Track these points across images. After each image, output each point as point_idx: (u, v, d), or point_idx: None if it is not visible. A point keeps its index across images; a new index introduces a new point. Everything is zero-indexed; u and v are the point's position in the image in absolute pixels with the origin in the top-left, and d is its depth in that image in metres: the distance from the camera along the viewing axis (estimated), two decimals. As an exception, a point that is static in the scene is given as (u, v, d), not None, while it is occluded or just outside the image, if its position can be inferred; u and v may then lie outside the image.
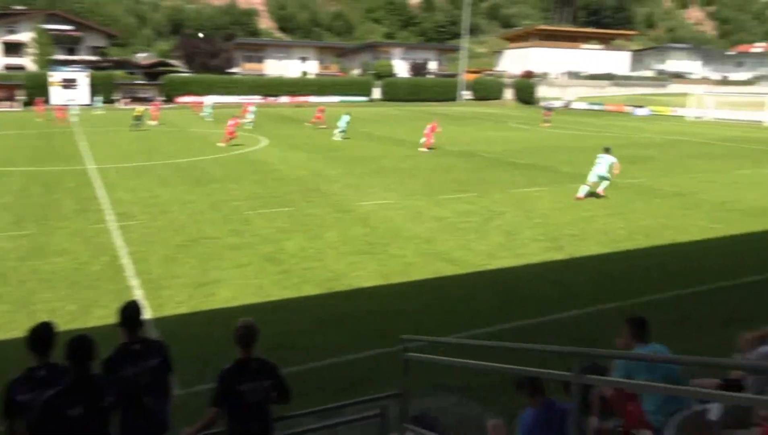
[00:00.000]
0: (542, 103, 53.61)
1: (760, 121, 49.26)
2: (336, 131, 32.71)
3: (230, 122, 29.83)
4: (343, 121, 32.53)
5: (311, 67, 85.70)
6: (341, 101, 66.96)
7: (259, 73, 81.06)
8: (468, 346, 7.40)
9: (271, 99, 67.42)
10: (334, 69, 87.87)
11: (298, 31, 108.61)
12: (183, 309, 9.51)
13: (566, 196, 18.17)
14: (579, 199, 17.68)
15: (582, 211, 16.28)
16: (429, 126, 29.16)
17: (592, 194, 17.97)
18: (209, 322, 8.98)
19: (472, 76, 79.18)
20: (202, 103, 49.59)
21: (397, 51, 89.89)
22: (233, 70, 78.77)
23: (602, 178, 18.12)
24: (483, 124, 39.99)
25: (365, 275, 11.13)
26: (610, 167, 18.04)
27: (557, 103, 69.06)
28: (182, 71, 73.17)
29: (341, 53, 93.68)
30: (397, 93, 71.40)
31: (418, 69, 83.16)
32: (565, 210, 16.44)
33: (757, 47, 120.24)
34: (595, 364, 5.99)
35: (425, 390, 6.88)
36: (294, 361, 7.39)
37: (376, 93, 72.76)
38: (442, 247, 12.95)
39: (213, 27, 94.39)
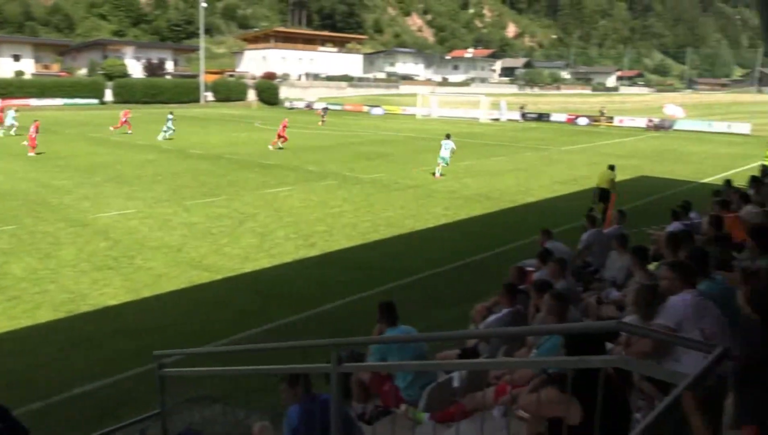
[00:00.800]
0: (317, 105, 54.69)
1: (476, 118, 55.96)
2: (162, 133, 33.11)
3: None
4: (170, 121, 33.44)
5: (27, 66, 75.90)
6: (65, 104, 60.47)
7: (-42, 72, 69.55)
8: (227, 353, 7.24)
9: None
10: (55, 68, 78.96)
11: (7, 25, 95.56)
12: None
13: (315, 194, 18.76)
14: (437, 178, 22.16)
15: (329, 208, 16.94)
16: (281, 124, 30.45)
17: (433, 173, 22.45)
18: None
19: (213, 77, 77.33)
20: None
21: (128, 50, 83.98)
22: None
23: (444, 160, 22.32)
24: (228, 126, 39.36)
25: (111, 292, 10.25)
26: (451, 151, 22.50)
27: (300, 104, 70.81)
28: None
29: (63, 51, 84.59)
30: (132, 94, 66.47)
31: (155, 69, 78.59)
32: (315, 207, 16.96)
33: (469, 53, 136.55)
34: (353, 352, 6.29)
35: (188, 404, 6.58)
36: (34, 396, 6.55)
37: (109, 95, 67.10)
38: (194, 254, 12.48)
39: None
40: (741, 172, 22.01)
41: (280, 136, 30.18)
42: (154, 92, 68.19)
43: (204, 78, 72.87)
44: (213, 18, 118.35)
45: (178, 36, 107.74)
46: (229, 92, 74.43)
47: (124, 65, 75.82)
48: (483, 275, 11.33)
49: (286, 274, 11.50)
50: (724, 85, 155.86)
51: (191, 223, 14.91)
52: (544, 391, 3.27)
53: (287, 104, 71.92)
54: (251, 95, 75.60)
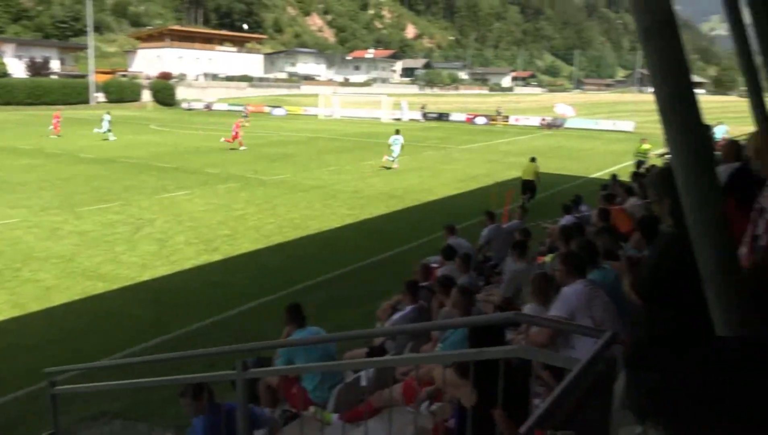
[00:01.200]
0: (242, 107, 53.29)
1: (378, 118, 56.47)
2: (101, 131, 33.16)
3: None
4: (106, 121, 33.38)
5: None
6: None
7: None
8: (126, 365, 6.92)
9: None
10: None
11: None
12: None
13: (216, 197, 18.28)
14: (396, 168, 24.62)
15: (232, 211, 16.57)
16: (234, 124, 30.98)
17: (387, 168, 24.49)
18: None
19: (105, 77, 73.54)
20: None
21: (8, 47, 78.22)
22: None
23: (393, 154, 24.45)
24: (122, 128, 37.57)
25: (-6, 308, 9.54)
26: (401, 145, 25.09)
27: (198, 105, 68.70)
28: None
29: (-68, 49, 77.76)
30: (14, 96, 61.92)
31: (38, 68, 73.71)
32: (216, 211, 16.52)
33: (369, 53, 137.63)
34: (259, 358, 6.18)
35: (86, 422, 6.25)
36: None
37: (-15, 96, 62.18)
38: (87, 263, 11.83)
39: None
40: (626, 167, 23.48)
41: (235, 138, 30.49)
42: (38, 93, 63.87)
43: (94, 78, 69.16)
44: (102, 15, 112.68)
45: (65, 33, 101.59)
46: (122, 93, 70.93)
47: (3, 64, 70.62)
48: (388, 273, 11.45)
49: (188, 280, 11.13)
50: (608, 86, 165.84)
51: (84, 231, 14.13)
52: (447, 371, 3.39)
53: (185, 105, 69.57)
54: (146, 96, 72.51)
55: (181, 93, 75.10)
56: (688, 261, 3.04)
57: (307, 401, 5.49)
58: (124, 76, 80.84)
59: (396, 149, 25.06)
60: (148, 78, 79.35)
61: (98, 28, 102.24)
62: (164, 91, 73.09)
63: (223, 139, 31.33)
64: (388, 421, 4.27)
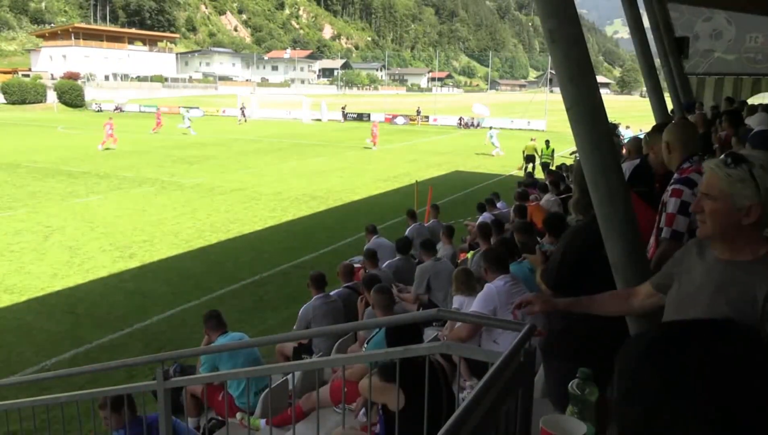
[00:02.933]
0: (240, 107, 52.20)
1: (299, 119, 55.98)
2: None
3: None
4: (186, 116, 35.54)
5: None
6: None
7: None
8: (36, 381, 6.57)
9: None
10: None
11: None
12: None
13: (131, 202, 17.63)
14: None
15: (149, 216, 16.02)
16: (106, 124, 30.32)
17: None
18: None
19: (5, 77, 69.33)
20: None
21: None
22: None
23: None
24: (26, 131, 35.55)
25: None
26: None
27: (109, 106, 65.87)
28: None
29: None
30: None
31: (-71, 68, 68.69)
32: (132, 216, 15.93)
33: (287, 53, 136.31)
34: (182, 366, 6.03)
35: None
36: None
37: None
38: (-9, 276, 11.15)
39: None
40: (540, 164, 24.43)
41: (110, 136, 29.96)
42: (-71, 94, 59.47)
43: (-8, 78, 65.04)
44: (0, 11, 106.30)
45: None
46: (24, 94, 66.93)
47: None
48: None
49: (103, 289, 10.68)
50: (522, 86, 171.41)
51: (-15, 241, 13.30)
52: (373, 378, 3.42)
53: (94, 106, 66.54)
54: (51, 97, 68.77)
55: (90, 94, 71.75)
56: (590, 251, 3.21)
57: (234, 408, 5.41)
58: (26, 76, 76.38)
59: (496, 142, 31.57)
60: (53, 78, 75.36)
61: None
62: (71, 92, 69.45)
63: (100, 147, 30.12)
64: (316, 424, 4.26)
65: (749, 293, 1.88)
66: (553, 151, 24.83)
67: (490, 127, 35.38)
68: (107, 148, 29.73)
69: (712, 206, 1.95)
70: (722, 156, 1.99)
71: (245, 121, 51.59)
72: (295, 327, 6.87)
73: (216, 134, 40.48)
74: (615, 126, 11.80)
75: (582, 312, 2.76)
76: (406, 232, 11.03)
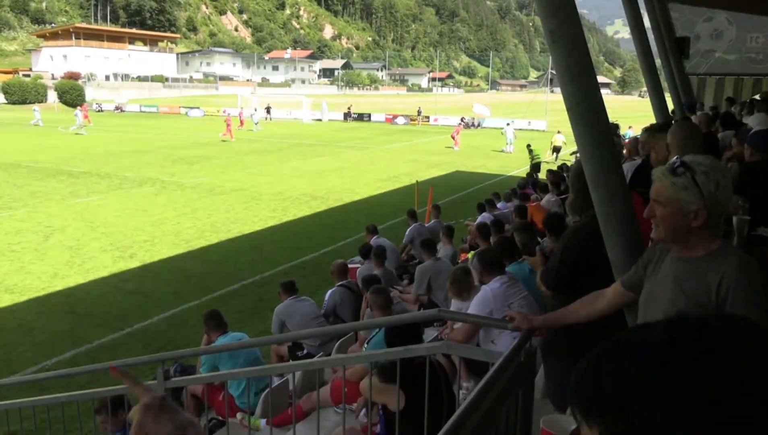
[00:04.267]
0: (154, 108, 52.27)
1: (299, 119, 55.97)
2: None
3: None
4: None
5: None
6: None
7: None
8: (36, 381, 6.57)
9: None
10: None
11: None
12: None
13: (132, 202, 17.63)
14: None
15: (149, 216, 16.03)
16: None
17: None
18: None
19: (5, 77, 69.35)
20: None
21: None
22: None
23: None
24: (27, 131, 35.56)
25: None
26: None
27: (109, 106, 65.88)
28: None
29: None
30: None
31: (-70, 68, 68.70)
32: (132, 216, 15.93)
33: (287, 53, 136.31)
34: (182, 366, 6.03)
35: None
36: None
37: None
38: (-9, 275, 11.15)
39: None
40: (542, 164, 24.38)
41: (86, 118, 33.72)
42: (-70, 94, 59.47)
43: (-7, 78, 65.04)
44: (0, 11, 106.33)
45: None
46: (25, 94, 66.94)
47: None
48: (314, 274, 11.41)
49: (103, 289, 10.68)
50: (522, 86, 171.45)
51: (-14, 240, 13.31)
52: (374, 379, 3.42)
53: (94, 106, 66.59)
54: (52, 97, 68.77)
55: (90, 93, 71.81)
56: (589, 251, 3.21)
57: (234, 408, 5.41)
58: (27, 76, 76.41)
59: (511, 137, 32.71)
60: (54, 78, 75.38)
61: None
62: (72, 92, 69.46)
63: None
64: (317, 424, 4.26)
65: (704, 285, 2.03)
66: (538, 155, 24.71)
67: (507, 124, 36.01)
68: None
69: (662, 212, 2.08)
70: (669, 163, 2.11)
71: (270, 119, 52.45)
72: (273, 328, 6.99)
73: (217, 134, 40.37)
74: (616, 126, 11.81)
75: (557, 325, 2.85)
76: (407, 232, 11.04)
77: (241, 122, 44.70)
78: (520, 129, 50.72)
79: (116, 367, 1.08)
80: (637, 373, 0.71)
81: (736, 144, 4.95)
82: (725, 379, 0.68)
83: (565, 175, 14.43)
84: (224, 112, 50.99)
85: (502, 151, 32.83)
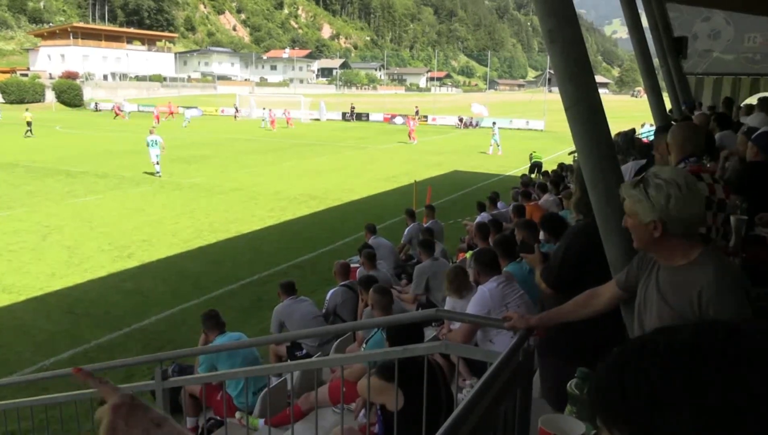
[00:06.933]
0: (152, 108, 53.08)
1: (297, 118, 55.86)
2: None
3: None
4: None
5: None
6: None
7: None
8: (33, 381, 6.57)
9: None
10: None
11: None
12: None
13: (130, 201, 17.61)
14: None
15: (147, 215, 16.02)
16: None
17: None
18: None
19: (3, 77, 69.17)
20: None
21: None
22: None
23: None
24: (23, 131, 35.52)
25: None
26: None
27: (107, 106, 65.72)
28: None
29: None
30: None
31: (-73, 68, 68.46)
32: (130, 216, 15.92)
33: (285, 53, 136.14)
34: (180, 366, 6.03)
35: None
36: None
37: None
38: (-11, 275, 11.14)
39: None
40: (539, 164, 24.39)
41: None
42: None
43: (-9, 77, 64.86)
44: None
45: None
46: (22, 93, 66.77)
47: None
48: (313, 274, 11.41)
49: (101, 289, 10.67)
50: (520, 86, 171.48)
51: (-17, 240, 13.29)
52: (372, 378, 3.41)
53: (92, 106, 66.50)
54: (50, 96, 68.63)
55: (88, 93, 71.70)
56: (591, 251, 3.21)
57: (232, 407, 5.41)
58: (24, 75, 76.24)
59: (497, 138, 31.96)
60: (52, 77, 75.23)
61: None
62: (70, 92, 69.36)
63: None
64: (315, 424, 4.26)
65: (686, 294, 2.06)
66: (539, 156, 24.58)
67: (494, 123, 35.37)
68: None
69: (629, 223, 2.18)
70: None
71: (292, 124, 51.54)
72: (272, 328, 6.99)
73: (215, 134, 40.36)
74: (633, 131, 11.83)
75: (553, 324, 2.86)
76: (405, 232, 11.05)
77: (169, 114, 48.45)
78: (519, 128, 50.81)
79: (81, 368, 1.05)
80: (663, 379, 0.70)
81: (742, 141, 4.95)
82: (755, 387, 0.67)
83: (564, 174, 14.44)
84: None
85: (485, 153, 32.37)
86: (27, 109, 39.39)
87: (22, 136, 34.97)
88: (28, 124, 35.63)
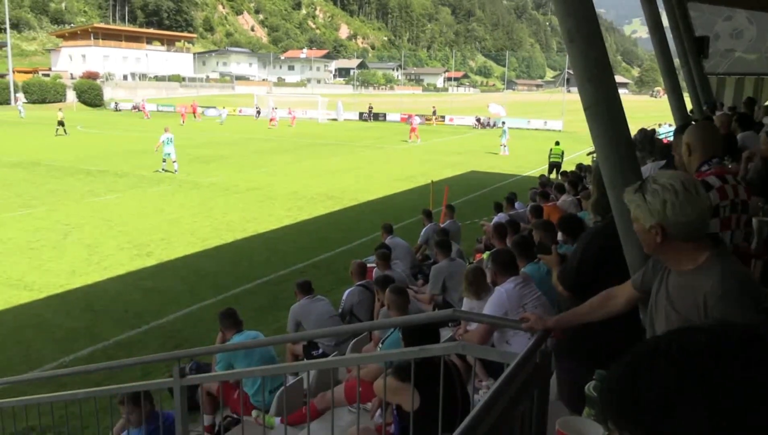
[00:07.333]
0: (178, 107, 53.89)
1: (315, 118, 56.10)
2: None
3: None
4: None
5: None
6: None
7: None
8: (54, 377, 6.65)
9: None
10: None
11: None
12: None
13: (149, 201, 17.78)
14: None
15: (166, 214, 16.16)
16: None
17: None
18: None
19: (25, 77, 70.14)
20: None
21: None
22: None
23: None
24: (45, 130, 36.02)
25: None
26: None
27: (126, 106, 66.44)
28: None
29: None
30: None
31: (-49, 68, 69.64)
32: (149, 215, 16.07)
33: (303, 53, 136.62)
34: (198, 363, 6.07)
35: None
36: None
37: None
38: (12, 272, 11.29)
39: None
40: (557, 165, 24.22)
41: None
42: (-50, 93, 60.28)
43: (13, 77, 65.86)
44: (21, 12, 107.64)
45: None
46: (44, 93, 67.68)
47: None
48: (329, 274, 11.44)
49: (120, 287, 10.78)
50: (539, 86, 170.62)
51: (5, 238, 13.48)
52: (389, 378, 3.41)
53: (112, 106, 67.27)
54: (71, 96, 69.50)
55: (108, 93, 72.52)
56: (608, 254, 3.18)
57: (249, 406, 5.43)
58: (46, 75, 77.29)
59: (504, 139, 31.80)
60: (73, 78, 76.19)
61: (16, 26, 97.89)
62: (90, 92, 70.21)
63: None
64: (331, 423, 4.27)
65: (692, 299, 2.03)
66: (562, 151, 24.26)
67: (503, 123, 35.86)
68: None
69: (635, 228, 2.17)
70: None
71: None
72: (288, 327, 7.00)
73: (232, 134, 40.59)
74: (653, 131, 11.70)
75: (570, 325, 2.83)
76: (422, 232, 11.03)
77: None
78: (536, 129, 50.54)
79: None
80: (677, 382, 0.69)
81: (765, 141, 4.87)
82: None
83: (583, 175, 14.32)
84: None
85: (496, 153, 32.05)
86: (60, 109, 40.02)
87: (53, 134, 35.66)
88: (60, 123, 36.38)
